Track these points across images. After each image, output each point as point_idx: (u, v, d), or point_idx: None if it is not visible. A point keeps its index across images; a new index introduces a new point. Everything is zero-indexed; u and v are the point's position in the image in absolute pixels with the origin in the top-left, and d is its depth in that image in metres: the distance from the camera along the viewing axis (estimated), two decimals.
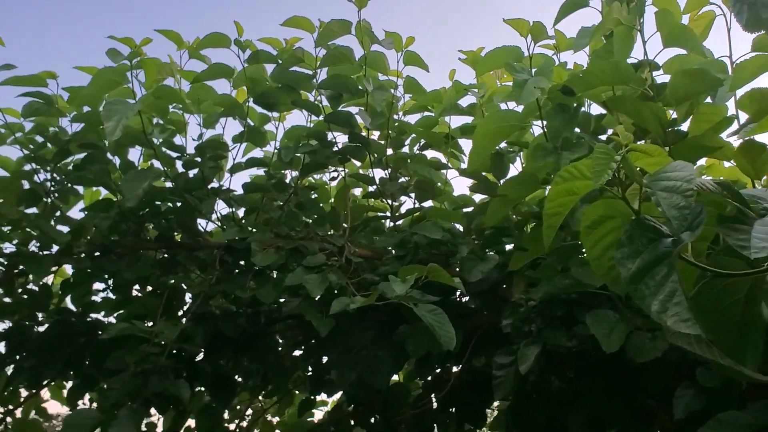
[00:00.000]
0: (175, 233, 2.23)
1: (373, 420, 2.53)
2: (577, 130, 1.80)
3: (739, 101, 1.65)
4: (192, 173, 2.24)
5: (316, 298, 1.96)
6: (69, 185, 2.16)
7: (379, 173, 2.39)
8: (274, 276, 2.17)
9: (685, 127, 1.81)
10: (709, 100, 1.76)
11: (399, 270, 1.86)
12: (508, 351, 1.92)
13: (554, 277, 1.85)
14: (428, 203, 2.44)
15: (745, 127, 1.50)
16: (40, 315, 2.29)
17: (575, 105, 1.78)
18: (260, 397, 3.08)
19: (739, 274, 0.92)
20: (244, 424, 3.08)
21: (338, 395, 2.87)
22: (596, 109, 1.97)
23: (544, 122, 1.80)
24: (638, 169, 0.96)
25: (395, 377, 2.64)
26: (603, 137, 1.99)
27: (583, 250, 1.82)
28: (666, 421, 1.88)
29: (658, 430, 1.94)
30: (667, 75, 1.80)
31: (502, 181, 2.24)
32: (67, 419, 1.77)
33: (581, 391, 1.98)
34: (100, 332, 2.25)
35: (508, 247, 2.21)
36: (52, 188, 2.11)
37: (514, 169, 2.27)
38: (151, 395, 1.82)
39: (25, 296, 2.23)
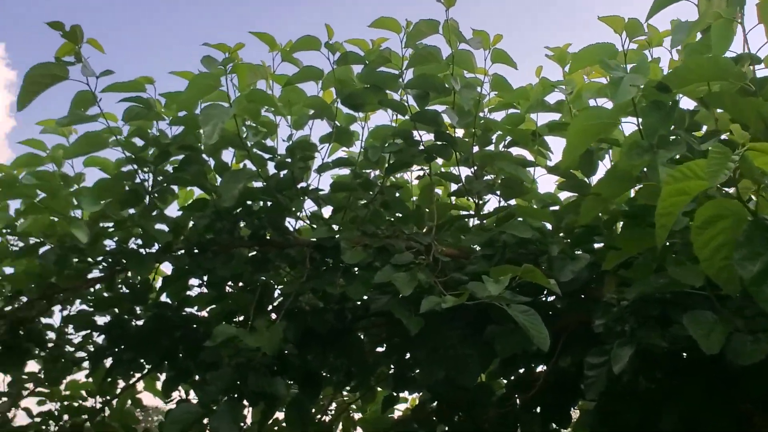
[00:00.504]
0: (266, 231, 2.29)
1: (456, 418, 2.55)
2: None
3: None
4: (282, 174, 2.29)
5: (404, 296, 1.98)
6: (167, 186, 2.25)
7: (464, 171, 2.40)
8: (361, 274, 2.21)
9: None
10: None
11: (489, 270, 1.86)
12: (600, 351, 1.89)
13: (649, 276, 1.81)
14: (513, 202, 2.43)
15: None
16: (138, 309, 2.40)
17: (671, 102, 1.75)
18: (343, 393, 3.15)
19: None
20: (327, 419, 3.14)
21: (418, 393, 2.91)
22: (685, 104, 1.93)
23: (639, 120, 1.76)
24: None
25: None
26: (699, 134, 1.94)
27: (676, 251, 1.79)
28: (765, 425, 1.83)
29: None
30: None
31: (591, 179, 2.23)
32: (169, 414, 1.85)
33: (673, 393, 1.94)
34: (194, 326, 2.34)
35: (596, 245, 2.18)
36: (152, 189, 2.20)
37: (603, 166, 2.24)
38: (249, 392, 1.88)
39: (126, 291, 2.33)
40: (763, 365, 1.60)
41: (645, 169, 1.71)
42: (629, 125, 1.85)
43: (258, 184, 2.32)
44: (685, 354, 1.93)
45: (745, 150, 0.93)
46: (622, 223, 2.10)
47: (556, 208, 2.36)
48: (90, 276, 2.28)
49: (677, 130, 1.74)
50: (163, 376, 2.60)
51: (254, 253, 2.35)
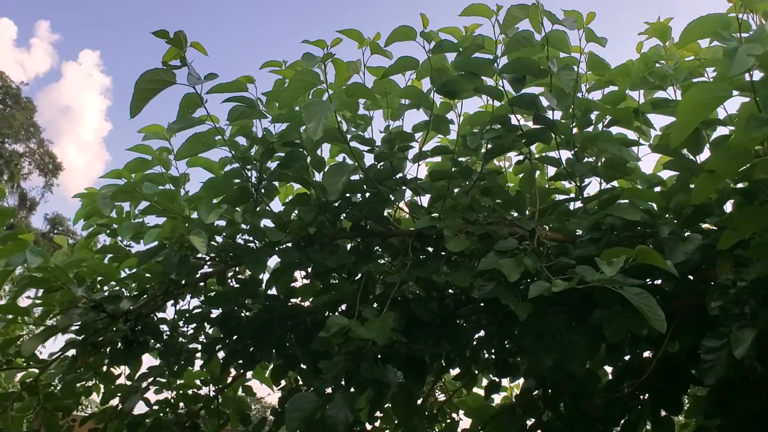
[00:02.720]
0: (367, 223, 2.32)
1: (562, 405, 2.52)
2: None
3: None
4: (380, 165, 2.32)
5: (512, 282, 1.97)
6: (272, 182, 2.31)
7: (564, 154, 2.36)
8: (464, 261, 2.21)
9: None
10: None
11: (596, 253, 1.83)
12: (718, 334, 1.84)
13: None
14: (614, 183, 2.38)
15: None
16: (249, 302, 2.48)
17: None
18: (444, 380, 3.16)
19: None
20: (430, 403, 3.16)
21: (519, 380, 2.89)
22: None
23: (756, 93, 1.69)
24: None
25: None
26: None
27: None
28: None
29: None
30: None
31: (699, 158, 2.15)
32: (290, 404, 1.91)
33: None
34: (302, 316, 2.40)
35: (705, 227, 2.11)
36: (259, 186, 2.26)
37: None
38: (360, 380, 1.91)
39: (237, 285, 2.42)
40: None
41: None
42: (732, 104, 1.78)
43: (356, 177, 2.36)
44: None
45: None
46: (735, 201, 2.02)
47: (660, 189, 2.29)
48: (203, 271, 2.37)
49: None
50: (271, 365, 2.69)
51: (356, 244, 2.38)
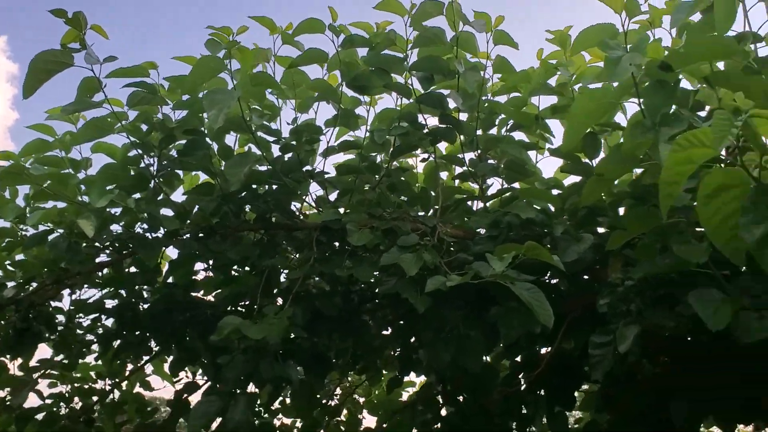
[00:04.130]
0: (272, 215, 2.30)
1: (461, 399, 2.56)
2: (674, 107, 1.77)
3: None
4: (287, 157, 2.30)
5: (411, 277, 1.99)
6: (173, 170, 2.26)
7: (468, 155, 2.40)
8: (368, 256, 2.22)
9: None
10: None
11: (494, 249, 1.87)
12: (605, 331, 1.90)
13: (654, 255, 1.82)
14: (516, 185, 2.44)
15: None
16: (146, 293, 2.42)
17: (673, 81, 1.75)
18: (349, 376, 3.17)
19: None
20: (332, 403, 3.16)
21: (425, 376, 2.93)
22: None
23: (641, 99, 1.77)
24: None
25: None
26: (701, 113, 1.95)
27: (684, 229, 1.79)
28: None
29: (763, 414, 1.90)
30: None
31: (595, 161, 2.23)
32: (194, 410, 1.90)
33: (680, 376, 1.95)
34: (202, 309, 2.36)
35: (600, 230, 2.19)
36: (158, 174, 2.20)
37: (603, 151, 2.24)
38: (260, 377, 1.90)
39: (133, 272, 2.35)
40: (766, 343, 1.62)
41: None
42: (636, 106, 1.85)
43: (264, 168, 2.33)
44: (689, 338, 1.94)
45: (747, 116, 0.93)
46: (626, 204, 2.11)
47: (560, 191, 2.37)
48: (98, 260, 2.30)
49: (680, 110, 1.75)
50: (170, 359, 2.63)
51: (260, 237, 2.36)
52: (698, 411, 1.95)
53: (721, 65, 1.77)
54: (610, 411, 2.30)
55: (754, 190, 0.90)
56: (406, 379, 2.87)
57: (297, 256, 2.36)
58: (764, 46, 1.78)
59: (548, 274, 2.22)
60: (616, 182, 2.14)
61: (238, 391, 1.94)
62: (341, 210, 2.34)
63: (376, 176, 2.38)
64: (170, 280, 2.44)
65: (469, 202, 2.50)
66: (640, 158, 1.78)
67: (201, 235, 2.21)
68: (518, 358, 2.53)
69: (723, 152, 1.06)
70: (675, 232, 1.80)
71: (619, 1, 1.79)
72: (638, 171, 2.00)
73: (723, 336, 1.64)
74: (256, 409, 2.42)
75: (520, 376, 2.47)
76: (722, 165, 1.08)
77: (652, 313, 1.82)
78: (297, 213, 2.36)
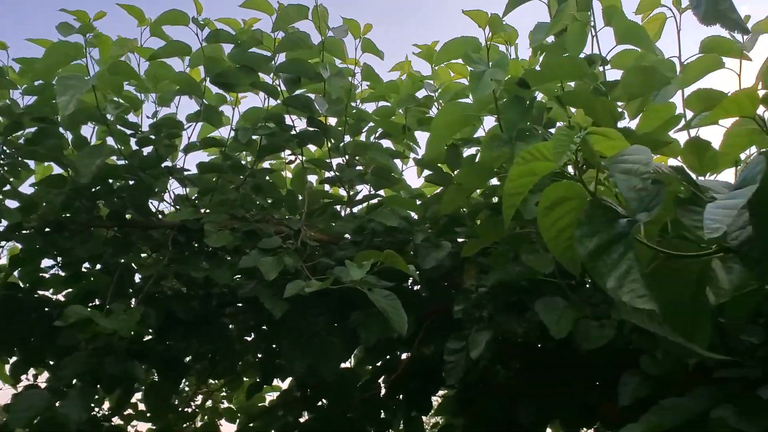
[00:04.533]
0: (127, 212, 2.19)
1: (321, 404, 2.55)
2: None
3: (686, 100, 1.72)
4: (146, 151, 2.20)
5: (271, 281, 1.96)
6: (20, 159, 2.10)
7: (336, 160, 2.40)
8: (229, 258, 2.16)
9: (633, 124, 1.87)
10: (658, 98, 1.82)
11: (355, 255, 1.88)
12: (460, 337, 1.94)
13: (506, 264, 1.89)
14: (383, 192, 2.47)
15: (693, 120, 1.56)
16: None
17: (530, 98, 1.83)
18: (210, 382, 3.07)
19: (690, 255, 0.97)
20: (190, 410, 3.06)
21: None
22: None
23: (500, 114, 1.83)
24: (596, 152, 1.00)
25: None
26: (552, 131, 2.04)
27: (534, 239, 1.88)
28: (610, 409, 1.94)
29: (602, 419, 2.00)
30: (613, 71, 1.87)
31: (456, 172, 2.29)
32: (15, 401, 1.74)
33: (529, 382, 2.02)
34: (46, 308, 2.21)
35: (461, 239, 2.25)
36: (2, 161, 2.04)
37: None
38: (106, 376, 1.80)
39: None
40: (605, 350, 1.71)
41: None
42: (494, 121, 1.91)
43: (121, 162, 2.22)
44: (539, 345, 2.02)
45: (586, 133, 0.98)
46: (483, 214, 2.18)
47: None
48: None
49: (534, 126, 1.83)
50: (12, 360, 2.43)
51: (114, 234, 2.23)
52: (545, 415, 2.03)
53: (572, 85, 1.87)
54: (465, 415, 2.36)
55: (589, 204, 0.94)
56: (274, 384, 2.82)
57: (153, 255, 2.25)
58: (610, 69, 1.91)
59: (410, 281, 2.26)
60: (478, 193, 2.22)
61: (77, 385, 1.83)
62: (202, 210, 2.26)
63: (241, 176, 2.32)
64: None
65: (338, 207, 2.50)
66: (495, 170, 1.85)
67: (48, 230, 2.06)
68: (380, 363, 2.56)
69: (571, 168, 1.10)
70: (526, 242, 1.88)
71: (483, 15, 1.84)
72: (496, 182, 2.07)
73: (568, 343, 1.73)
74: (106, 412, 2.32)
75: (380, 381, 2.50)
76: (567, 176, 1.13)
77: (503, 319, 1.88)
78: (154, 211, 2.25)
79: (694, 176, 1.73)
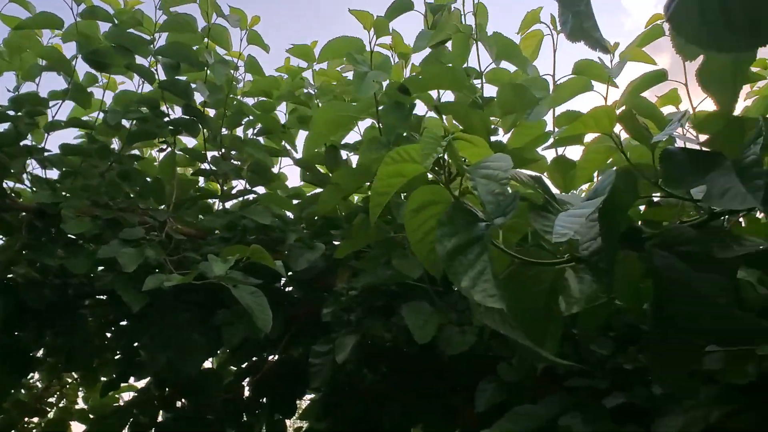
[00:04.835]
0: None
1: (179, 404, 2.46)
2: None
3: (556, 119, 1.80)
4: (3, 128, 2.04)
5: (132, 274, 1.86)
6: None
7: (212, 152, 2.33)
8: (88, 247, 2.04)
9: (504, 138, 1.93)
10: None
11: (221, 250, 1.82)
12: (327, 340, 1.93)
13: (377, 267, 1.89)
14: (260, 189, 2.42)
15: (556, 134, 1.63)
16: None
17: (409, 104, 1.85)
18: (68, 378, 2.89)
19: (543, 263, 1.00)
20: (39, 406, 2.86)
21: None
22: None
23: (380, 118, 1.84)
24: (463, 158, 1.01)
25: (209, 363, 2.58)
26: None
27: (406, 245, 1.89)
28: (468, 415, 1.99)
29: (461, 424, 2.05)
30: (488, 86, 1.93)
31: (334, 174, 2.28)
32: None
33: (394, 386, 2.04)
34: None
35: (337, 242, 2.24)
36: None
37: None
38: None
39: None
40: (466, 356, 1.75)
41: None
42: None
43: None
44: (405, 349, 2.04)
45: (452, 138, 1.00)
46: (359, 217, 2.17)
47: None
48: None
49: (412, 132, 1.85)
50: None
51: None
52: (408, 418, 2.05)
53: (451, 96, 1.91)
54: (330, 419, 2.35)
55: (451, 206, 0.96)
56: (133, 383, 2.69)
57: (4, 239, 2.09)
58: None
59: (283, 281, 2.22)
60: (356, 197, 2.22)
61: None
62: (63, 193, 2.12)
63: (108, 162, 2.20)
64: None
65: (212, 201, 2.42)
66: (373, 173, 1.84)
67: None
68: (246, 365, 2.49)
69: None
70: (399, 246, 1.90)
71: (369, 17, 1.84)
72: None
73: (433, 348, 1.75)
74: None
75: (243, 382, 2.44)
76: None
77: (370, 323, 1.89)
78: (9, 192, 2.09)
79: (557, 191, 1.83)
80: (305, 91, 2.27)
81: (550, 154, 1.86)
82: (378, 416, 2.02)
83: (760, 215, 1.22)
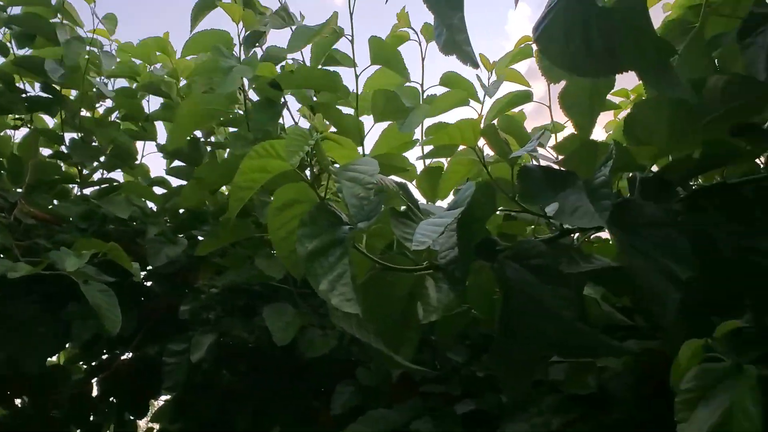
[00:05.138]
0: None
1: (20, 402, 2.30)
2: None
3: (426, 130, 1.83)
4: None
5: None
6: None
7: (70, 135, 2.18)
8: None
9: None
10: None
11: (76, 241, 1.72)
12: (184, 338, 1.87)
13: (241, 266, 1.85)
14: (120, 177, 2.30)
15: (429, 151, 1.66)
16: None
17: (281, 102, 1.83)
18: None
19: (403, 269, 1.02)
20: None
21: None
22: None
23: (248, 114, 1.80)
24: (330, 158, 1.01)
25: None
26: None
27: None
28: (326, 418, 1.99)
29: (319, 427, 2.04)
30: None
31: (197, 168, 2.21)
32: None
33: (252, 387, 2.00)
34: None
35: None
36: None
37: None
38: None
39: None
40: (326, 359, 1.75)
41: None
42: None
43: None
44: (266, 350, 2.01)
45: (322, 138, 0.99)
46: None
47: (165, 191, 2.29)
48: None
49: (284, 131, 1.83)
50: None
51: None
52: (265, 420, 2.02)
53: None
54: (183, 419, 2.27)
55: (315, 206, 0.95)
56: None
57: None
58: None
59: (142, 275, 2.12)
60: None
61: None
62: None
63: None
64: None
65: (71, 186, 2.27)
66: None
67: None
68: (96, 362, 2.36)
69: (308, 172, 1.10)
70: (264, 245, 1.86)
71: (238, 10, 1.80)
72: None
73: (293, 349, 1.74)
74: None
75: (92, 380, 2.31)
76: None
77: (229, 322, 1.84)
78: None
79: (424, 200, 1.86)
80: (165, 78, 2.17)
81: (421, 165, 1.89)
82: (234, 417, 1.98)
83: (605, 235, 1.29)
